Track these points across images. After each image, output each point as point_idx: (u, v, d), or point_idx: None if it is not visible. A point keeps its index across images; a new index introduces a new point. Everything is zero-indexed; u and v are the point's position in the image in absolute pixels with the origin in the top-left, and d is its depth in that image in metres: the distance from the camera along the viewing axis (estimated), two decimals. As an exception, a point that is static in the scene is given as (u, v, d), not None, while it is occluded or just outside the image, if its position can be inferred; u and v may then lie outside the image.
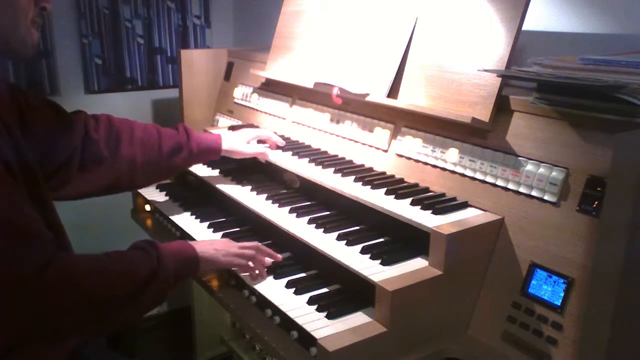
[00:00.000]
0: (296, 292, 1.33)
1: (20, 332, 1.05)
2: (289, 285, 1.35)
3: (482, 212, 1.31)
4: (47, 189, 1.29)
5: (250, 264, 1.40)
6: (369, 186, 1.44)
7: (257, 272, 1.40)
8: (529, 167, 1.25)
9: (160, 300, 1.23)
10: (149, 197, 1.96)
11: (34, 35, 1.21)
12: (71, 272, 1.11)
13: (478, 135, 1.36)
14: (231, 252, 1.38)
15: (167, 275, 1.22)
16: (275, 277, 1.40)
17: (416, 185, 1.46)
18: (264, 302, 1.32)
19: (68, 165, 1.45)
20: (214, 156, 1.75)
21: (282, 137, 1.90)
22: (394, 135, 1.59)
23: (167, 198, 1.95)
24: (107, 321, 1.16)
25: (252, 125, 2.07)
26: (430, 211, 1.30)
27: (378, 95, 1.56)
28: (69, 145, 1.45)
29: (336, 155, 1.71)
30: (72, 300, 1.09)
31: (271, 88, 2.09)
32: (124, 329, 1.47)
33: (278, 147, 1.80)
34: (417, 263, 1.26)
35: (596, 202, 1.13)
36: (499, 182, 1.30)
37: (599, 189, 1.12)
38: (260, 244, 1.46)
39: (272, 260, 1.44)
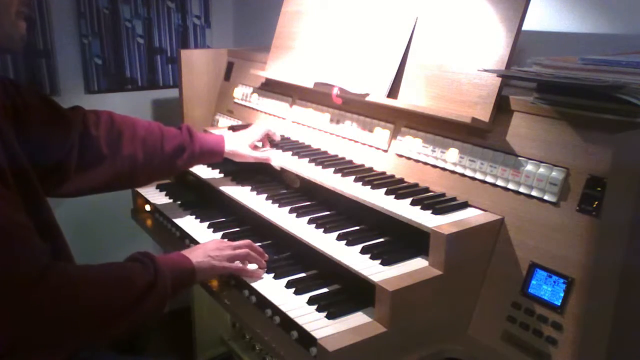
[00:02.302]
0: (296, 292, 1.33)
1: (15, 341, 1.03)
2: (289, 285, 1.35)
3: (482, 212, 1.31)
4: (43, 190, 1.27)
5: (247, 264, 1.41)
6: (369, 186, 1.44)
7: (253, 270, 1.40)
8: (529, 167, 1.25)
9: (158, 311, 1.22)
10: (149, 197, 1.96)
11: (20, 27, 1.18)
12: (67, 282, 1.09)
13: (478, 135, 1.36)
14: (225, 257, 1.38)
15: (164, 287, 1.22)
16: (275, 277, 1.40)
17: (416, 185, 1.46)
18: (264, 302, 1.32)
19: (66, 162, 1.44)
20: (217, 158, 1.74)
21: (281, 137, 1.90)
22: (394, 135, 1.59)
23: (167, 198, 1.95)
24: (103, 331, 1.14)
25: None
26: (430, 211, 1.30)
27: (378, 95, 1.56)
28: (65, 142, 1.44)
29: (336, 155, 1.71)
30: (67, 311, 1.07)
31: (271, 88, 2.09)
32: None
33: (274, 143, 1.82)
34: (417, 263, 1.26)
35: (596, 202, 1.13)
36: (499, 182, 1.30)
37: (599, 189, 1.12)
38: (251, 242, 1.46)
39: (263, 260, 1.44)
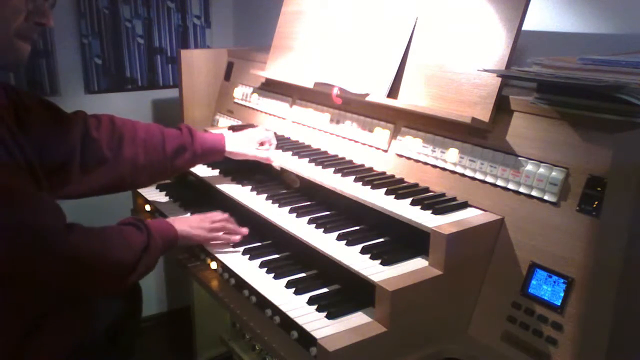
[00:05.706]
0: (296, 292, 1.33)
1: (54, 294, 1.22)
2: (289, 285, 1.35)
3: (482, 212, 1.31)
4: (47, 187, 1.30)
5: (221, 234, 1.56)
6: (369, 186, 1.44)
7: (229, 240, 1.56)
8: (529, 167, 1.25)
9: (149, 270, 1.36)
10: (149, 197, 1.96)
11: (19, 49, 1.15)
12: (87, 236, 1.24)
13: (478, 135, 1.36)
14: (205, 228, 1.54)
15: (156, 249, 1.37)
16: (275, 277, 1.40)
17: (416, 185, 1.46)
18: (264, 302, 1.32)
19: (68, 164, 1.45)
20: (217, 157, 1.75)
21: (282, 137, 1.90)
22: (394, 135, 1.59)
23: (167, 198, 1.95)
24: (112, 284, 1.30)
25: (252, 126, 2.07)
26: (430, 211, 1.30)
27: (378, 95, 1.56)
28: (66, 145, 1.45)
29: (336, 155, 1.71)
30: (90, 261, 1.21)
31: (271, 88, 2.09)
32: (123, 328, 1.50)
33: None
34: (417, 263, 1.26)
35: (596, 202, 1.13)
36: (499, 182, 1.30)
37: (599, 189, 1.12)
38: (228, 216, 1.60)
39: (240, 235, 1.58)
